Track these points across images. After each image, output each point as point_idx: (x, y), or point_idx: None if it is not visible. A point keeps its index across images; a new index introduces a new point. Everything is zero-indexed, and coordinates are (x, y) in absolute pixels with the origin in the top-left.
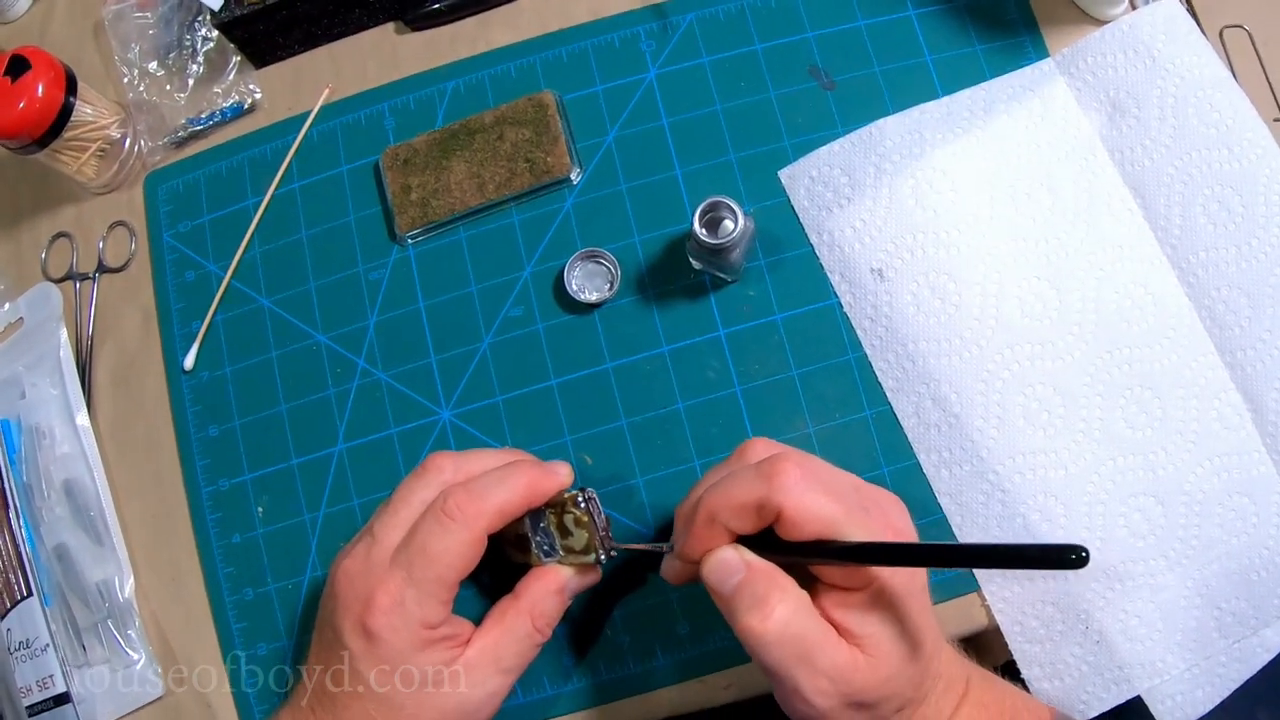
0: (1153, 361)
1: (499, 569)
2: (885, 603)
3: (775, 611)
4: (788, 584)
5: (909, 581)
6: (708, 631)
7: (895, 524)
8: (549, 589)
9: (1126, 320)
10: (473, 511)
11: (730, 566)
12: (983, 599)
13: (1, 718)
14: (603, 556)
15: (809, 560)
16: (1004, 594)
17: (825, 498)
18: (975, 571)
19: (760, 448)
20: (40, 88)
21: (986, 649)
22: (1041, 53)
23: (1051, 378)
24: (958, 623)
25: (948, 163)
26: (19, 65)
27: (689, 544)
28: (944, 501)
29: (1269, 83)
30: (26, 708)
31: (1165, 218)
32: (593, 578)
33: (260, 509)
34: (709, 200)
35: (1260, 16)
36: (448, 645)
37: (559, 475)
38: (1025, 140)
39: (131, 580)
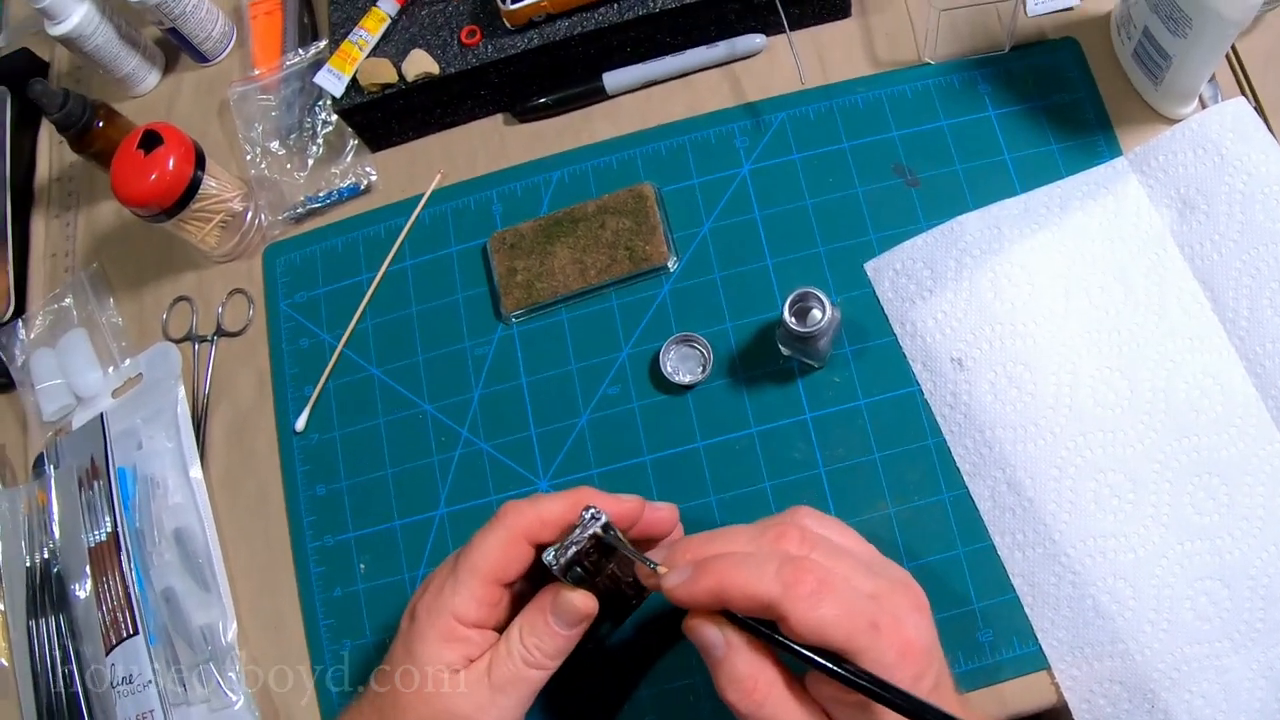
0: (1220, 449)
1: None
2: (873, 712)
3: (753, 694)
4: (765, 667)
5: None
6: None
7: (908, 635)
8: (538, 605)
9: (1195, 409)
10: (514, 513)
11: (711, 641)
12: (1052, 677)
13: None
14: (555, 564)
15: (798, 659)
16: (1073, 671)
17: (835, 614)
18: (1045, 647)
19: (801, 522)
20: (171, 162)
21: None
22: (1115, 151)
23: (1122, 464)
24: (1026, 699)
25: (1025, 258)
26: (152, 140)
27: (687, 597)
28: (1017, 582)
29: None
30: None
31: (1234, 310)
32: (587, 608)
33: (362, 566)
34: (799, 290)
35: None
36: (467, 647)
37: (622, 502)
38: (1099, 236)
39: (235, 626)
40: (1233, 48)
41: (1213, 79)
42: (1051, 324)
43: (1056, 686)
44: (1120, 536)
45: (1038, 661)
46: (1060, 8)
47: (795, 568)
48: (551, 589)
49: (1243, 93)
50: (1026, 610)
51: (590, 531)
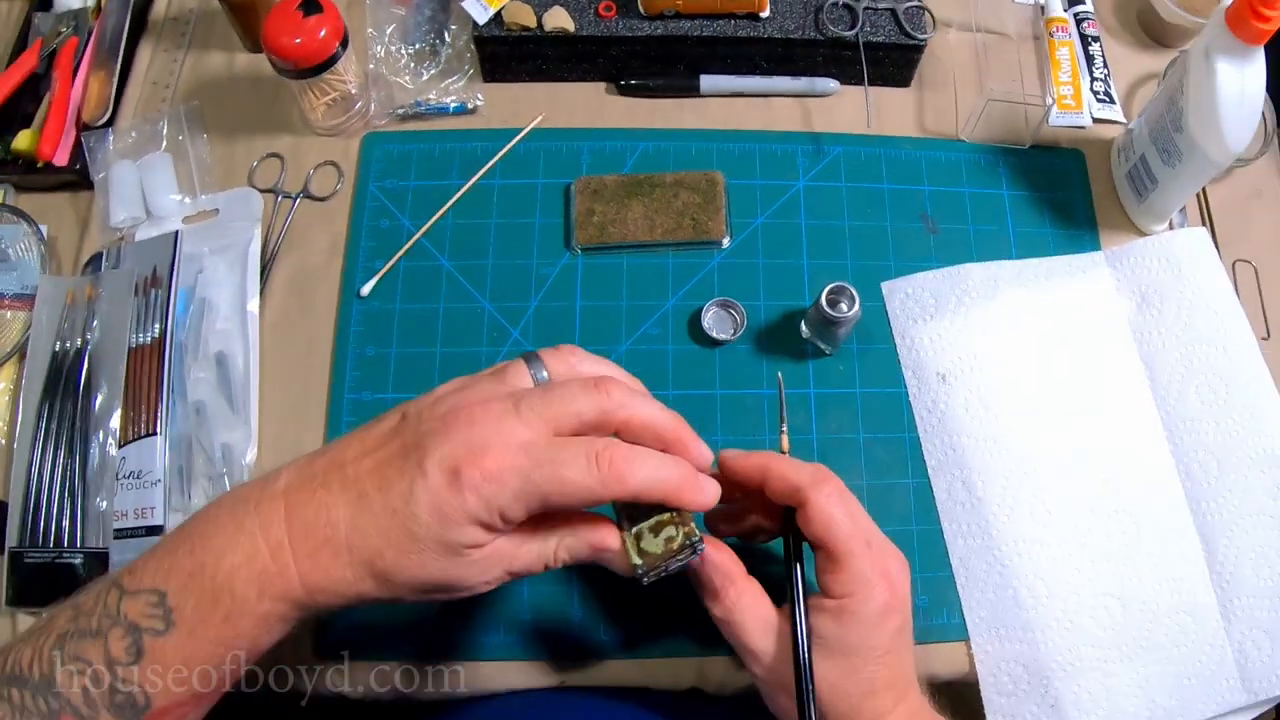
0: (1136, 495)
1: None
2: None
3: (724, 599)
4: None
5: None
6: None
7: (890, 570)
8: (588, 540)
9: (1122, 460)
10: (618, 474)
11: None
12: (969, 648)
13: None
14: (645, 578)
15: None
16: (987, 647)
17: (843, 516)
18: (968, 623)
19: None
20: (323, 31)
21: (961, 700)
22: (1095, 245)
23: (1058, 487)
24: (945, 663)
25: (1011, 308)
26: (312, 6)
27: (737, 465)
28: (955, 563)
29: (1263, 309)
30: (116, 530)
31: (1165, 389)
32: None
33: None
34: (836, 284)
35: (1266, 257)
36: (486, 535)
37: (706, 496)
38: (1072, 306)
39: (255, 450)
40: (1203, 191)
41: (1183, 209)
42: (1024, 363)
43: (971, 657)
44: (1046, 545)
45: (960, 632)
46: (1075, 125)
47: (825, 476)
48: (601, 527)
49: (1204, 225)
50: (959, 588)
51: (684, 563)
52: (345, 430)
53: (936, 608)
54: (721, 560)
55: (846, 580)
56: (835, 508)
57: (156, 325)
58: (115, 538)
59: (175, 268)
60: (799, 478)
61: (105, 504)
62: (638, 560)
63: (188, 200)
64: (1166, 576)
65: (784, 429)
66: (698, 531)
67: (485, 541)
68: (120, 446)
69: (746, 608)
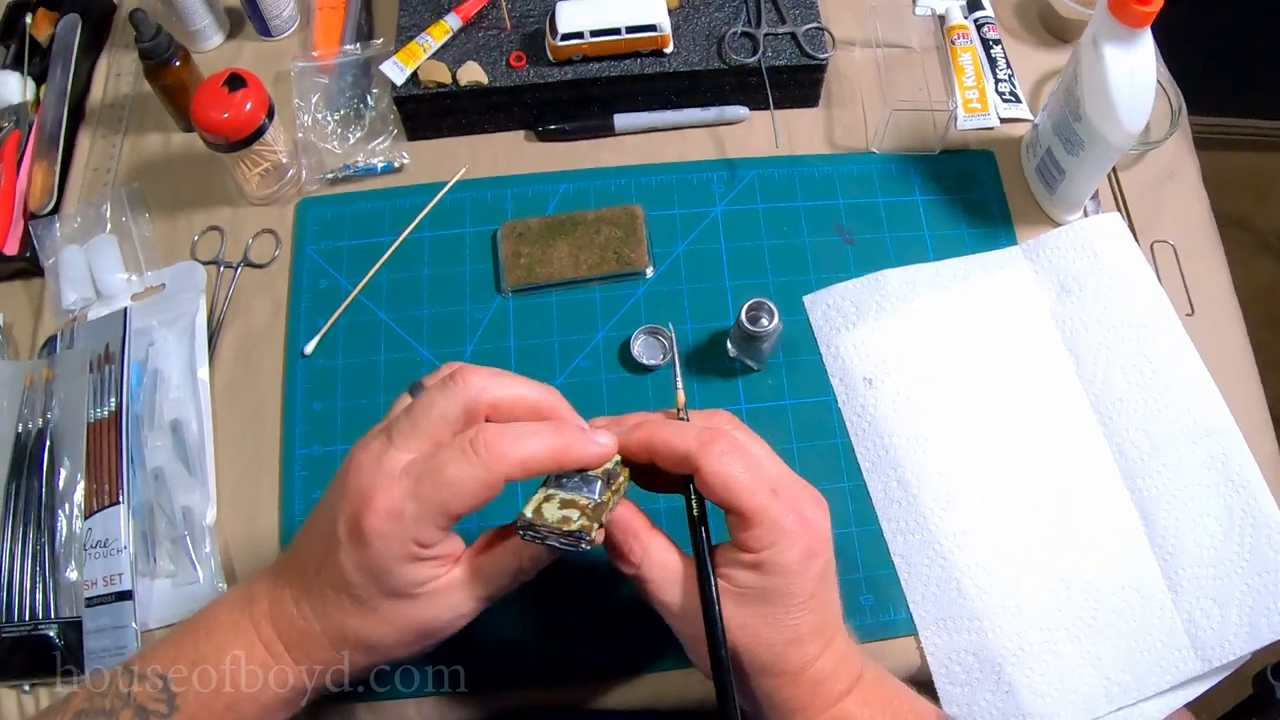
0: (1071, 479)
1: None
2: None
3: (631, 555)
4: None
5: (801, 569)
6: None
7: (804, 512)
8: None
9: (1055, 445)
10: (497, 454)
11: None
12: (918, 642)
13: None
14: (522, 532)
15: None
16: (936, 640)
17: (740, 470)
18: (915, 617)
19: (722, 419)
20: (249, 105)
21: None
22: (1012, 240)
23: (993, 478)
24: (895, 661)
25: (931, 310)
26: (237, 82)
27: (621, 443)
28: (897, 561)
29: (1185, 287)
30: (87, 598)
31: (1092, 373)
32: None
33: None
34: (755, 300)
35: (1183, 236)
36: (435, 564)
37: (595, 448)
38: (992, 302)
39: (214, 510)
40: (1116, 176)
41: (1095, 196)
42: (946, 361)
43: (921, 651)
44: (984, 535)
45: (908, 628)
46: (982, 126)
47: (713, 433)
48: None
49: (1119, 210)
50: (902, 584)
51: (562, 550)
52: (299, 484)
53: (882, 605)
54: (624, 515)
55: (761, 535)
56: (730, 466)
57: (113, 399)
58: (87, 606)
59: (126, 343)
60: (685, 444)
61: (75, 574)
62: (529, 514)
63: (134, 278)
64: (1108, 554)
65: (679, 385)
66: (595, 533)
67: (431, 575)
68: (86, 518)
69: (655, 563)
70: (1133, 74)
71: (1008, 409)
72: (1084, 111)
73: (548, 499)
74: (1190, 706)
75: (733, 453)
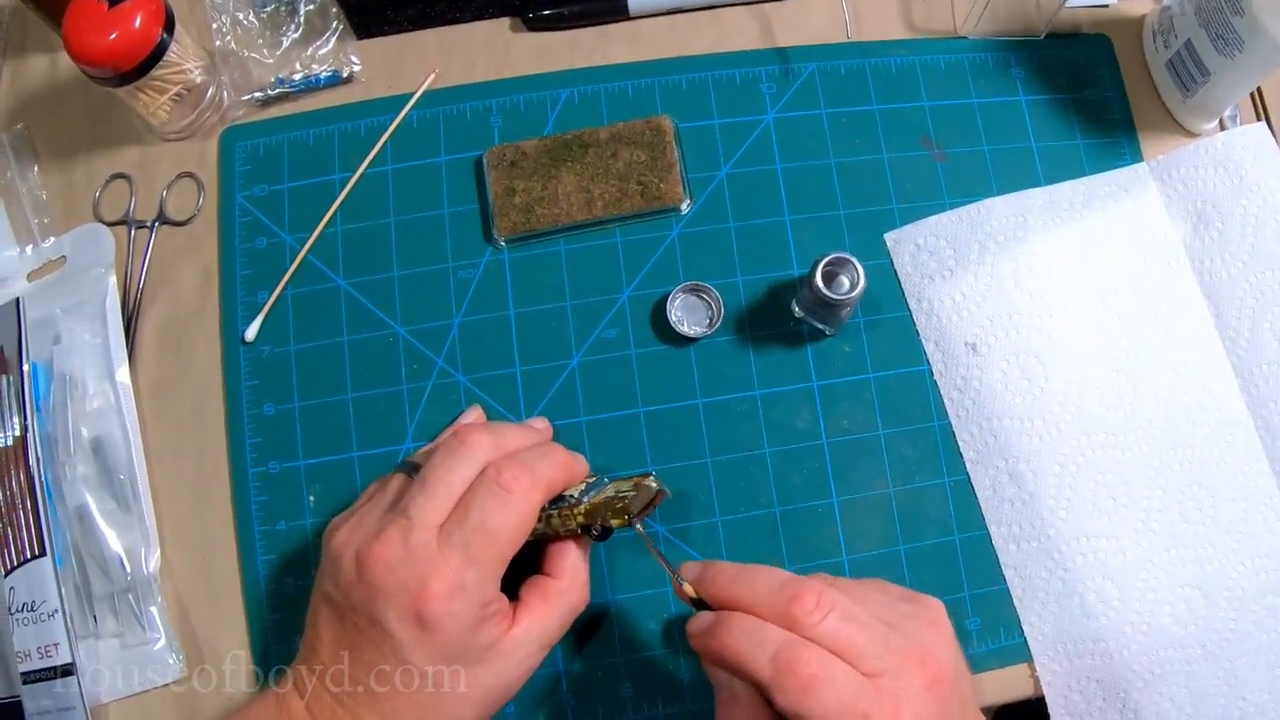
0: (1211, 462)
1: None
2: None
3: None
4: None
5: None
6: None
7: (912, 654)
8: (581, 555)
9: (1192, 421)
10: (527, 483)
11: (718, 681)
12: (1032, 670)
13: None
14: (634, 523)
15: None
16: (1054, 666)
17: (822, 712)
18: (1029, 640)
19: (817, 586)
20: (138, 19)
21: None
22: (1137, 155)
23: (1120, 467)
24: (1005, 690)
25: (1047, 250)
26: None
27: (697, 646)
28: (1009, 574)
29: None
30: (23, 673)
31: (1235, 329)
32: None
33: (312, 498)
34: (835, 255)
35: None
36: (497, 620)
37: (583, 463)
38: (1117, 239)
39: (158, 554)
40: None
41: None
42: (1066, 320)
43: (1035, 680)
44: (1112, 538)
45: (1020, 654)
46: (1097, 3)
47: (792, 656)
48: (567, 543)
49: (1260, 120)
50: (1015, 602)
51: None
52: (255, 511)
53: (991, 629)
54: None
55: None
56: (809, 705)
57: (15, 420)
58: (24, 683)
59: (24, 343)
60: (758, 670)
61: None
62: (590, 508)
63: (29, 250)
64: (1251, 554)
65: (673, 577)
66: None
67: (499, 631)
68: (4, 575)
69: None
70: None
71: (1138, 376)
72: (1250, 5)
73: (587, 505)
74: None
75: (811, 686)
